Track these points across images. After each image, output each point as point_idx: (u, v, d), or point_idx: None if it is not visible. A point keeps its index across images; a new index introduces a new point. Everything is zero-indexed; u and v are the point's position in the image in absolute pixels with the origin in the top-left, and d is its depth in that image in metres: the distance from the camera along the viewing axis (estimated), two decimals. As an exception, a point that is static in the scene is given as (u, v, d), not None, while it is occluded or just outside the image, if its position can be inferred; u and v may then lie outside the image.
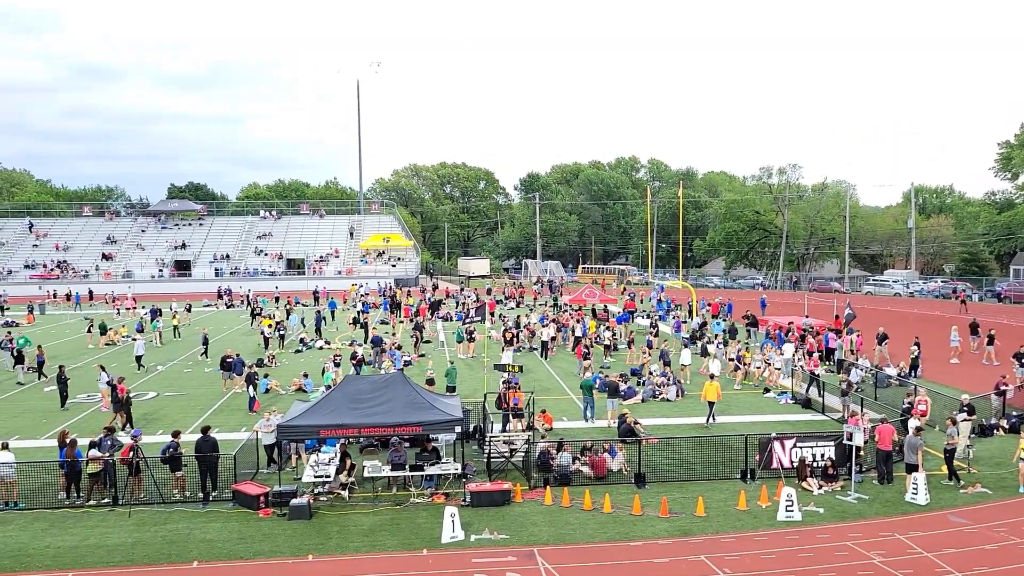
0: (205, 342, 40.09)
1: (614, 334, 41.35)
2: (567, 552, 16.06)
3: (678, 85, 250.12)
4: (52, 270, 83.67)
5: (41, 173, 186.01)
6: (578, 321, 43.60)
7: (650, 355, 34.92)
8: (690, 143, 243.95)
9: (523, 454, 20.78)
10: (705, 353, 35.36)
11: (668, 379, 30.84)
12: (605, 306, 52.86)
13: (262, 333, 41.78)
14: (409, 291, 70.76)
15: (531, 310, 57.43)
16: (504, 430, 23.65)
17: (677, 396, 29.97)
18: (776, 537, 16.77)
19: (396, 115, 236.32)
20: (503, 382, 27.02)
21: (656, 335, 39.41)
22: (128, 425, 25.67)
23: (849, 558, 15.55)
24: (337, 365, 31.63)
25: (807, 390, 28.96)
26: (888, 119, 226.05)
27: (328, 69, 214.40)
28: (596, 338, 40.63)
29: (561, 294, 67.60)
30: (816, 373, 29.84)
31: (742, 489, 19.29)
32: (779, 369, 32.43)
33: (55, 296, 70.31)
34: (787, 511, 17.79)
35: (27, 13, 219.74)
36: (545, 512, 18.28)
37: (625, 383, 30.21)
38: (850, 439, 19.34)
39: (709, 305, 53.23)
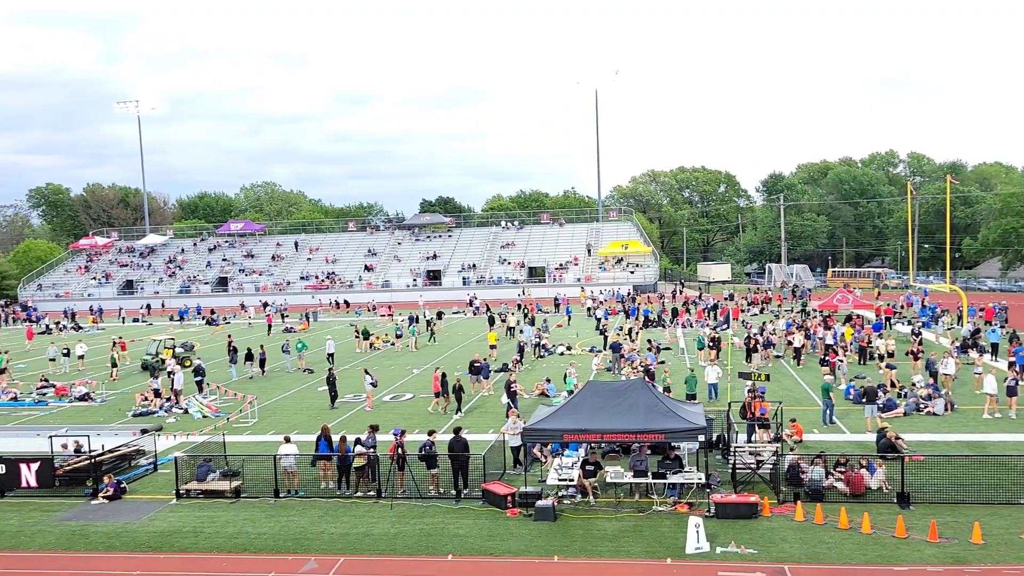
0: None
1: (870, 342, 38.45)
2: (821, 572, 15.16)
3: (938, 72, 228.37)
4: (323, 281, 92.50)
5: (313, 193, 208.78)
6: (828, 328, 41.07)
7: (915, 366, 32.12)
8: (957, 134, 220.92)
9: (771, 466, 19.95)
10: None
11: (935, 391, 28.19)
12: (859, 312, 49.42)
13: (492, 347, 43.35)
14: (648, 297, 70.42)
15: (776, 316, 54.93)
16: (749, 441, 22.81)
17: (945, 410, 27.30)
18: (1073, 573, 14.75)
19: (633, 121, 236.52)
20: (748, 391, 26.12)
21: (920, 343, 36.14)
22: (458, 411, 29.14)
23: None
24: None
25: None
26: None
27: (566, 80, 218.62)
28: (850, 345, 38.10)
29: (810, 299, 64.16)
30: None
31: (1028, 516, 17.19)
32: None
33: (335, 304, 78.10)
34: (1086, 545, 15.59)
35: (283, 54, 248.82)
36: (796, 528, 17.37)
37: (884, 393, 28.05)
38: None
39: (982, 310, 48.03)
